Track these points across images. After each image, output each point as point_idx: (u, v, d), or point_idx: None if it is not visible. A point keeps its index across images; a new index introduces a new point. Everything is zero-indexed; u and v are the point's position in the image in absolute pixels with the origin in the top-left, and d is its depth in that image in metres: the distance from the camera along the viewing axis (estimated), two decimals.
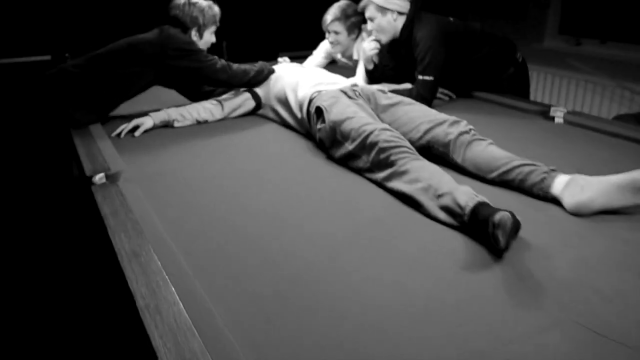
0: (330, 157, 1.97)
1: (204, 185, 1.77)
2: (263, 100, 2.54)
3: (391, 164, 1.67)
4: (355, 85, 2.23)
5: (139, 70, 2.32)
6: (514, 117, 2.54)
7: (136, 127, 2.30)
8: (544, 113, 2.54)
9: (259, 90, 2.56)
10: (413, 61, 2.70)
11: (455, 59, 2.65)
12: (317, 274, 1.23)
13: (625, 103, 4.14)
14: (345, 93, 2.10)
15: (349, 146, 1.84)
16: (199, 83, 2.57)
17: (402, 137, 1.77)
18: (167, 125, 2.39)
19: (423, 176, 1.57)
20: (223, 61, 2.43)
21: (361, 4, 2.73)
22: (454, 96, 2.87)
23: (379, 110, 2.08)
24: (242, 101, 2.52)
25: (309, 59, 3.32)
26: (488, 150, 1.76)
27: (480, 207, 1.37)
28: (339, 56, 3.25)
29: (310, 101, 2.16)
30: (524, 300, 1.14)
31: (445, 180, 1.54)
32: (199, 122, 2.45)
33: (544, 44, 4.81)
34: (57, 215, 2.53)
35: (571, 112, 2.50)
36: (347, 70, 3.52)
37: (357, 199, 1.65)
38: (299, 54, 4.57)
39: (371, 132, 1.77)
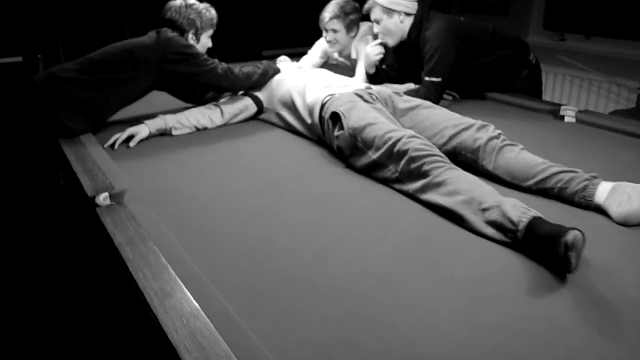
0: (350, 167, 1.85)
1: (220, 204, 1.62)
2: (265, 105, 2.40)
3: (424, 175, 1.56)
4: (369, 87, 2.10)
5: (137, 75, 2.15)
6: (525, 118, 2.46)
7: (131, 137, 2.12)
8: (554, 113, 2.48)
9: (260, 94, 2.41)
10: (422, 64, 2.60)
11: (467, 61, 2.56)
12: (373, 310, 1.11)
13: (613, 98, 4.16)
14: (361, 97, 1.97)
15: (374, 155, 1.72)
16: (198, 89, 2.41)
17: (431, 144, 1.66)
18: (164, 133, 2.22)
19: (463, 188, 1.46)
20: (224, 65, 2.28)
21: (366, 6, 2.61)
22: (457, 96, 2.79)
23: (397, 115, 1.97)
24: (244, 107, 2.36)
25: (305, 59, 3.17)
26: (522, 157, 1.67)
27: (536, 223, 1.27)
28: (336, 55, 3.12)
29: (323, 106, 2.02)
30: (605, 329, 1.05)
31: (489, 192, 1.43)
32: (198, 130, 2.28)
33: (528, 40, 4.80)
34: (44, 233, 2.32)
35: (583, 111, 2.44)
36: (345, 70, 3.40)
37: (393, 215, 1.53)
38: (286, 52, 4.42)
39: (399, 140, 1.65)
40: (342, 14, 2.81)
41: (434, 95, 2.50)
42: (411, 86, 2.73)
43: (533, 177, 1.61)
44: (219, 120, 2.32)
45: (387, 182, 1.69)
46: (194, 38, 2.33)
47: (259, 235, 1.42)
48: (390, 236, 1.40)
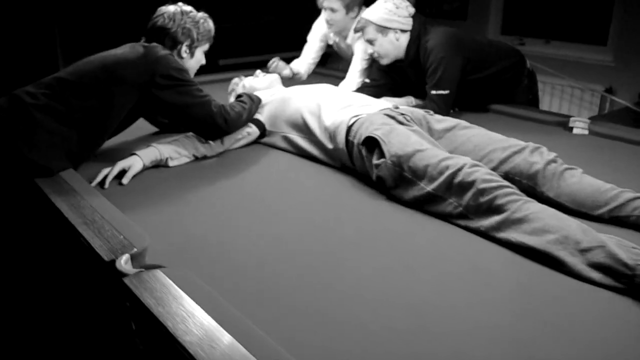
0: (393, 198, 1.64)
1: (255, 251, 1.37)
2: (268, 127, 2.14)
3: (498, 210, 1.39)
4: (396, 106, 1.91)
5: (119, 101, 1.81)
6: (532, 130, 2.36)
7: (122, 172, 1.80)
8: (563, 124, 2.41)
9: (260, 116, 2.15)
10: (422, 80, 2.45)
11: (468, 74, 2.43)
12: None
13: (576, 102, 4.24)
14: (393, 118, 1.77)
15: (427, 186, 1.53)
16: (182, 124, 2.01)
17: (495, 173, 1.50)
18: (158, 164, 1.91)
19: (551, 225, 1.30)
20: (217, 101, 1.96)
21: (358, 26, 2.43)
22: (456, 110, 2.66)
23: (434, 137, 1.79)
24: (246, 132, 2.09)
25: (306, 48, 2.93)
26: (587, 182, 1.54)
27: None
28: (331, 35, 2.90)
29: (350, 129, 1.81)
30: None
31: (581, 228, 1.28)
32: (197, 158, 1.99)
33: None
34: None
35: (595, 122, 2.39)
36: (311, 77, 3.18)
37: (471, 260, 1.33)
38: (243, 61, 4.14)
39: (459, 169, 1.47)
40: None
41: (443, 110, 2.35)
42: (411, 100, 2.57)
43: (605, 205, 1.48)
44: (219, 147, 2.03)
45: (447, 218, 1.50)
46: (187, 51, 2.02)
47: (320, 287, 1.20)
48: (479, 287, 1.21)
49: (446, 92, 2.35)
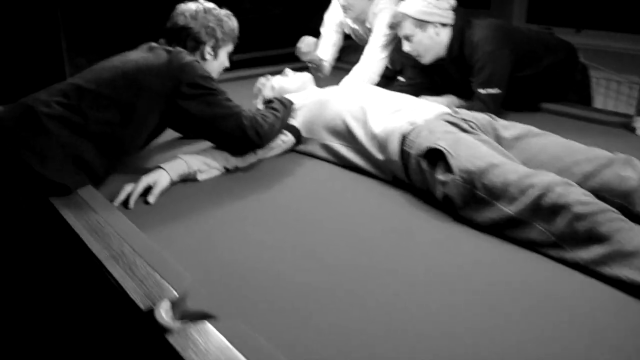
0: (461, 219, 1.43)
1: (307, 285, 1.16)
2: (304, 134, 1.92)
3: (601, 239, 1.17)
4: (455, 110, 1.69)
5: (142, 113, 1.60)
6: (591, 132, 2.14)
7: (148, 188, 1.58)
8: (625, 124, 2.18)
9: (294, 122, 1.93)
10: (466, 78, 2.23)
11: (517, 70, 2.21)
12: None
13: (611, 95, 4.01)
14: (456, 125, 1.56)
15: (507, 208, 1.31)
16: (210, 139, 1.77)
17: (590, 193, 1.28)
18: (186, 178, 1.69)
19: None
20: (248, 111, 1.74)
21: (393, 21, 2.19)
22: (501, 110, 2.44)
23: (503, 147, 1.57)
24: (280, 140, 1.87)
25: (322, 43, 2.68)
26: None
27: None
28: (349, 21, 2.66)
29: (405, 138, 1.59)
30: None
31: None
32: (227, 170, 1.77)
33: None
34: None
35: None
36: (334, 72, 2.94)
37: (577, 305, 1.12)
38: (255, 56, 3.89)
39: (548, 189, 1.25)
40: None
41: (493, 110, 2.12)
42: (453, 99, 2.34)
43: None
44: (251, 157, 1.82)
45: (534, 246, 1.29)
46: (211, 53, 1.80)
47: (391, 334, 0.98)
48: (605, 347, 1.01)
49: (496, 90, 2.13)
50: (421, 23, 2.13)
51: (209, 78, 1.67)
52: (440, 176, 1.43)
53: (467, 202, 1.39)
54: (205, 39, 1.76)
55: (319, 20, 2.78)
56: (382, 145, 1.65)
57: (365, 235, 1.39)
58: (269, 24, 4.56)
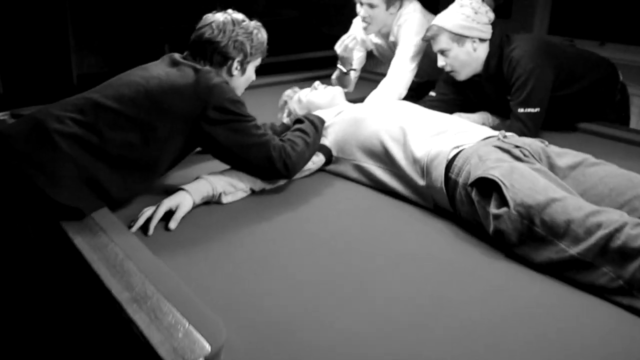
0: (515, 256, 1.30)
1: (362, 335, 1.03)
2: (335, 153, 1.79)
3: None
4: (504, 134, 1.56)
5: (164, 136, 1.47)
6: (635, 155, 2.03)
7: (169, 212, 1.45)
8: None
9: (325, 140, 1.80)
10: (503, 96, 2.11)
11: (557, 89, 2.08)
12: None
13: (635, 111, 3.88)
14: (508, 152, 1.43)
15: (570, 249, 1.18)
16: (234, 166, 1.63)
17: None
18: (209, 201, 1.56)
19: None
20: (277, 140, 1.61)
21: (427, 34, 2.06)
22: (547, 144, 2.30)
23: (557, 176, 1.44)
24: (314, 159, 1.74)
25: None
26: None
27: None
28: (371, 36, 2.51)
29: (451, 164, 1.46)
30: None
31: None
32: (253, 191, 1.64)
33: None
34: None
35: None
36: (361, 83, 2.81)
37: None
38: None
39: (618, 230, 1.12)
40: None
41: (532, 131, 2.00)
42: (487, 116, 2.22)
43: None
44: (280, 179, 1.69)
45: (600, 291, 1.16)
46: (239, 68, 1.67)
47: None
48: None
49: (536, 109, 2.00)
50: (459, 37, 2.01)
51: (238, 102, 1.55)
52: (494, 209, 1.30)
53: (523, 239, 1.27)
54: (234, 54, 1.63)
55: (334, 26, 2.62)
56: (424, 170, 1.52)
57: (414, 273, 1.26)
58: (283, 27, 4.46)
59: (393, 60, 2.35)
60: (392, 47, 2.46)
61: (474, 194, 1.37)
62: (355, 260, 1.32)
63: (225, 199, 1.57)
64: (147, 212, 1.44)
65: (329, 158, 1.79)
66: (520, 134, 1.95)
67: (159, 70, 1.55)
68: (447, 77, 2.22)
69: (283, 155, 1.58)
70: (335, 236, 1.43)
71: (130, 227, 1.40)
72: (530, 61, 2.00)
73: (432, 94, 2.29)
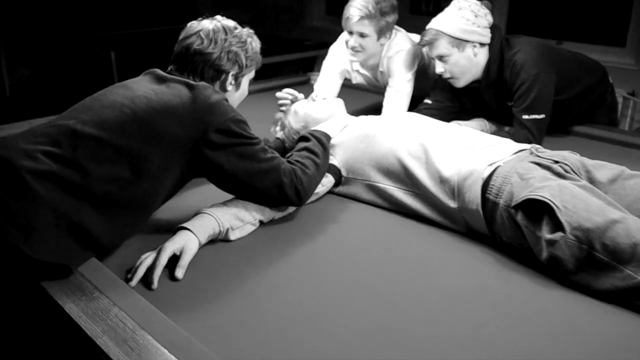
0: (572, 284, 1.19)
1: None
2: (345, 173, 1.62)
3: None
4: (537, 147, 1.44)
5: (159, 166, 1.25)
6: (633, 157, 1.99)
7: (174, 256, 1.23)
8: None
9: (334, 159, 1.63)
10: (502, 102, 2.03)
11: (558, 91, 2.01)
12: None
13: None
14: (549, 168, 1.31)
15: (638, 274, 1.08)
16: (239, 195, 1.43)
17: None
18: (215, 238, 1.36)
19: None
20: (287, 164, 1.42)
21: (425, 38, 1.94)
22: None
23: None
24: (322, 182, 1.56)
25: (319, 83, 2.38)
26: None
27: None
28: (356, 66, 2.38)
29: (487, 184, 1.33)
30: None
31: None
32: (262, 223, 1.45)
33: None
34: None
35: None
36: (358, 94, 2.68)
37: None
38: None
39: None
40: (378, 13, 2.09)
41: (538, 138, 1.93)
42: (484, 123, 2.12)
43: None
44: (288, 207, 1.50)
45: None
46: (233, 83, 1.47)
47: None
48: None
49: (541, 116, 1.92)
50: (459, 42, 1.89)
51: (242, 122, 1.34)
52: (547, 234, 1.18)
53: (581, 265, 1.15)
54: (227, 67, 1.42)
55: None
56: (454, 190, 1.39)
57: (463, 310, 1.12)
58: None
59: (388, 97, 2.23)
60: (381, 78, 2.34)
61: (519, 217, 1.24)
62: (393, 299, 1.16)
63: (233, 235, 1.36)
64: (147, 260, 1.21)
65: (338, 179, 1.62)
66: (526, 141, 1.87)
67: (144, 89, 1.32)
68: (442, 84, 2.11)
69: (294, 181, 1.40)
70: (363, 273, 1.26)
71: (128, 280, 1.18)
72: (535, 66, 1.91)
73: (428, 101, 2.17)
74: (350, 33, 2.17)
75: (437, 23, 1.93)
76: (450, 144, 1.46)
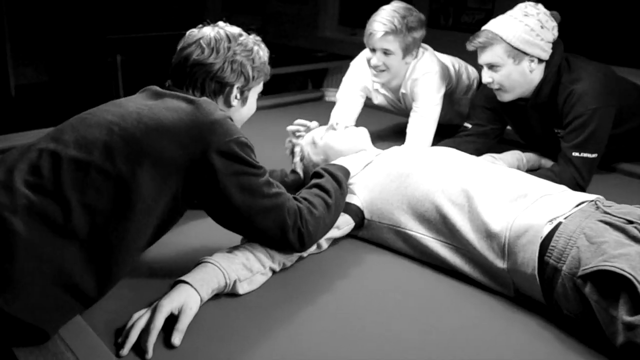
0: None
1: None
2: (369, 215, 1.42)
3: None
4: (602, 199, 1.23)
5: (150, 193, 1.06)
6: None
7: (172, 317, 1.03)
8: None
9: (357, 199, 1.43)
10: (549, 129, 1.84)
11: (614, 126, 1.81)
12: None
13: None
14: (622, 230, 1.09)
15: None
16: (236, 231, 1.24)
17: None
18: (220, 292, 1.15)
19: None
20: (292, 201, 1.21)
21: (478, 40, 1.72)
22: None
23: None
24: (339, 224, 1.36)
25: (339, 102, 2.19)
26: None
27: None
28: (377, 86, 2.19)
29: (546, 244, 1.12)
30: None
31: None
32: (274, 272, 1.24)
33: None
34: None
35: None
36: (379, 114, 2.49)
37: None
38: None
39: None
40: (404, 28, 1.90)
41: (586, 179, 1.72)
42: (520, 156, 1.92)
43: None
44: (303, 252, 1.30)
45: None
46: (238, 97, 1.28)
47: None
48: None
49: (593, 155, 1.71)
50: (517, 53, 1.68)
51: (247, 146, 1.15)
52: (625, 316, 0.97)
53: None
54: (232, 80, 1.24)
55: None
56: (504, 249, 1.18)
57: None
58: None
59: (413, 122, 2.03)
60: (403, 100, 2.16)
61: (588, 290, 1.04)
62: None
63: (241, 289, 1.16)
64: (140, 321, 1.01)
65: (360, 221, 1.41)
66: (572, 181, 1.68)
67: (137, 105, 1.14)
68: (484, 101, 1.93)
69: (298, 223, 1.19)
70: (393, 345, 1.05)
71: (118, 346, 0.97)
72: (595, 100, 1.70)
73: (467, 125, 1.97)
74: (373, 50, 1.98)
75: (496, 26, 1.70)
76: (498, 191, 1.25)
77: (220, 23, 1.30)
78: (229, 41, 1.24)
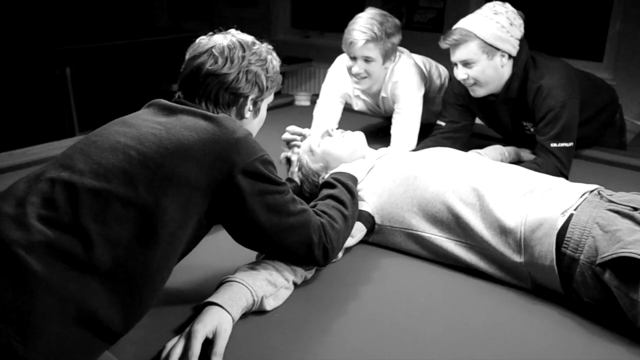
0: None
1: None
2: (379, 220, 1.42)
3: None
4: (602, 188, 1.29)
5: (175, 218, 1.01)
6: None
7: (208, 341, 1.00)
8: None
9: (366, 205, 1.43)
10: (518, 124, 1.94)
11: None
12: None
13: None
14: (631, 217, 1.15)
15: None
16: (260, 250, 1.25)
17: None
18: (247, 311, 1.13)
19: None
20: (314, 216, 1.19)
21: (453, 37, 1.78)
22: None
23: None
24: (352, 232, 1.36)
25: (319, 109, 2.19)
26: None
27: None
28: (357, 92, 2.21)
29: (562, 235, 1.16)
30: None
31: None
32: (296, 285, 1.23)
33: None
34: None
35: None
36: (355, 116, 2.51)
37: None
38: None
39: None
40: (383, 35, 1.93)
41: (567, 167, 1.82)
42: (502, 150, 1.99)
43: None
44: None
45: None
46: (252, 109, 1.25)
47: None
48: None
49: (570, 144, 1.81)
50: (490, 49, 1.75)
51: (270, 164, 1.13)
52: None
53: None
54: (246, 91, 1.20)
55: None
56: (520, 243, 1.22)
57: None
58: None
59: (397, 124, 2.07)
60: (382, 104, 2.19)
61: (608, 277, 1.09)
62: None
63: (268, 305, 1.14)
64: (176, 350, 0.97)
65: (371, 227, 1.42)
66: (556, 170, 1.76)
67: (150, 124, 1.09)
68: (454, 98, 2.00)
69: (323, 238, 1.19)
70: (422, 345, 1.07)
71: None
72: (564, 93, 1.80)
73: (441, 123, 2.03)
74: (354, 58, 2.00)
75: (469, 24, 1.77)
76: (507, 188, 1.29)
77: (232, 30, 1.26)
78: (243, 50, 1.20)
